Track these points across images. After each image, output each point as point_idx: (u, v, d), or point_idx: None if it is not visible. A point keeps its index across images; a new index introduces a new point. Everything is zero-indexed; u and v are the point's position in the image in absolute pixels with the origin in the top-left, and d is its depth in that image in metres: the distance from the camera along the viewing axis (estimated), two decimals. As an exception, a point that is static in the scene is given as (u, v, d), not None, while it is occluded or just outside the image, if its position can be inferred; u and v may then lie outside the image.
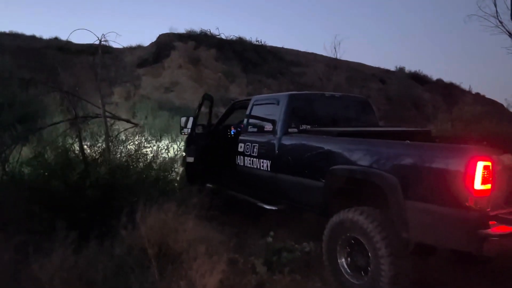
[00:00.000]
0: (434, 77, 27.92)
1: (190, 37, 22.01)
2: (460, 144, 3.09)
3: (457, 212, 2.80)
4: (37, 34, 22.36)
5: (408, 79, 26.29)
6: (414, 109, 22.02)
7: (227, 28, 77.91)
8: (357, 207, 3.42)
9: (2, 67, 7.37)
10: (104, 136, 4.54)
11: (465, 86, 26.91)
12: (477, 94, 25.68)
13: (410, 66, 39.25)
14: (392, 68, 27.61)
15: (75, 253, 3.14)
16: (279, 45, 25.75)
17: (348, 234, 3.45)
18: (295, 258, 3.95)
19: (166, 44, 21.16)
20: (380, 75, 25.63)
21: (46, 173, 4.07)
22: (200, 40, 21.96)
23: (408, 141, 3.42)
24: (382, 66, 27.39)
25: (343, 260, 3.52)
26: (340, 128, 4.44)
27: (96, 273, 3.01)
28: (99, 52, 5.10)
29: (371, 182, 3.33)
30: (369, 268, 3.28)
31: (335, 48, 26.43)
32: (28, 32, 27.75)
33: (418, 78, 26.91)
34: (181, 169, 6.15)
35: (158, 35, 22.12)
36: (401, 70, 27.64)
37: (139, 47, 21.91)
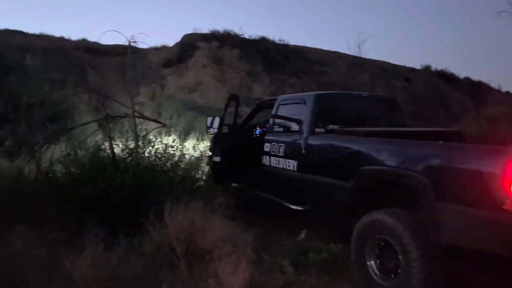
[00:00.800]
0: (462, 75, 27.23)
1: (213, 37, 22.15)
2: (496, 145, 3.00)
3: (493, 215, 2.72)
4: (66, 36, 22.94)
5: (434, 77, 25.72)
6: (440, 108, 21.54)
7: (250, 27, 78.08)
8: (387, 209, 3.37)
9: (34, 69, 7.59)
10: (133, 136, 4.62)
11: (494, 84, 26.14)
12: (507, 92, 24.88)
13: (436, 64, 38.35)
14: (418, 67, 27.07)
15: (106, 251, 3.20)
16: (302, 44, 25.61)
17: (377, 236, 3.39)
18: (323, 259, 3.92)
19: (190, 44, 21.37)
20: (405, 74, 25.17)
21: (78, 172, 4.17)
22: (224, 40, 22.07)
23: (441, 142, 3.34)
24: (407, 65, 26.89)
25: (372, 262, 3.47)
26: (369, 128, 4.38)
27: (127, 271, 3.06)
28: (129, 53, 5.18)
29: (401, 184, 3.27)
30: (399, 271, 3.22)
31: (359, 46, 26.13)
32: (57, 33, 28.54)
33: (444, 77, 26.29)
34: (207, 168, 6.20)
35: (182, 36, 22.38)
36: (427, 68, 27.04)
37: (164, 48, 22.19)
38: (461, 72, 35.97)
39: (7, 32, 20.85)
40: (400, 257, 3.19)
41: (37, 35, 21.65)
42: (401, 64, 26.65)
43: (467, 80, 26.73)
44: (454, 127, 6.27)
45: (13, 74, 7.29)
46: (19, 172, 4.41)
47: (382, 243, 3.39)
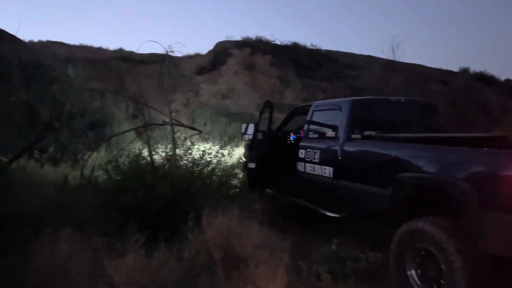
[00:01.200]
0: (502, 77, 26.21)
1: (245, 44, 22.40)
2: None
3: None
4: (104, 46, 23.84)
5: (473, 80, 24.88)
6: (479, 112, 20.78)
7: (282, 33, 78.37)
8: (428, 217, 3.28)
9: (76, 78, 7.91)
10: (170, 143, 4.73)
11: (538, 86, 24.97)
12: (552, 95, 23.68)
13: (475, 66, 37.10)
14: (455, 69, 26.29)
15: (147, 256, 3.27)
16: (334, 48, 25.45)
17: (418, 245, 3.31)
18: (361, 268, 3.85)
19: (223, 51, 21.69)
20: (442, 77, 24.49)
21: (118, 179, 4.30)
22: (256, 47, 22.27)
23: (486, 148, 3.23)
24: (444, 67, 26.18)
25: (413, 271, 3.38)
26: (409, 134, 4.29)
27: (167, 276, 3.12)
28: (166, 62, 5.33)
29: (443, 191, 3.18)
30: (441, 281, 3.12)
31: (393, 49, 25.67)
32: (95, 44, 29.73)
33: (484, 79, 25.40)
34: (241, 175, 6.25)
35: (215, 43, 22.75)
36: (465, 71, 26.22)
37: (197, 55, 22.63)
38: (501, 74, 34.63)
39: (50, 44, 21.85)
40: (442, 267, 3.10)
41: (78, 46, 22.58)
42: (438, 67, 26.00)
43: (508, 82, 25.69)
44: (498, 133, 6.04)
45: (56, 84, 7.60)
46: (64, 178, 4.61)
47: (423, 252, 3.30)
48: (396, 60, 21.53)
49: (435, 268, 3.19)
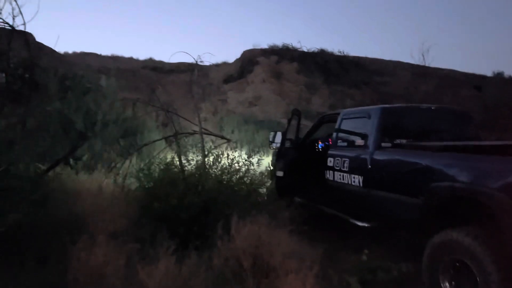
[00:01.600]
0: (540, 80, 25.21)
1: (272, 51, 22.50)
2: None
3: None
4: (134, 56, 24.50)
5: (508, 84, 24.05)
6: (516, 118, 20.02)
7: (308, 40, 78.29)
8: (463, 227, 3.20)
9: (109, 88, 8.16)
10: (199, 151, 4.81)
11: None
12: None
13: (510, 71, 35.89)
14: (489, 74, 25.51)
15: (177, 263, 3.34)
16: (362, 54, 25.21)
17: (452, 256, 3.24)
18: (392, 278, 3.79)
19: (250, 59, 21.87)
20: (475, 82, 23.81)
21: (150, 187, 4.40)
22: (282, 54, 22.34)
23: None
24: (477, 72, 25.45)
25: (447, 283, 3.30)
26: (440, 142, 4.21)
27: (198, 283, 3.17)
28: (195, 73, 5.45)
29: (478, 201, 3.10)
30: (477, 294, 3.04)
31: (423, 55, 25.18)
32: (126, 54, 30.66)
33: (519, 83, 24.50)
34: (269, 183, 6.27)
35: (242, 52, 22.96)
36: (499, 75, 25.41)
37: (224, 64, 22.90)
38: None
39: (84, 55, 22.65)
40: (478, 279, 3.02)
41: (109, 56, 23.30)
42: (470, 71, 25.30)
43: (547, 86, 24.67)
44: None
45: (89, 94, 7.83)
46: (99, 187, 4.77)
47: (457, 264, 3.22)
48: (426, 65, 21.11)
49: (470, 280, 3.11)
